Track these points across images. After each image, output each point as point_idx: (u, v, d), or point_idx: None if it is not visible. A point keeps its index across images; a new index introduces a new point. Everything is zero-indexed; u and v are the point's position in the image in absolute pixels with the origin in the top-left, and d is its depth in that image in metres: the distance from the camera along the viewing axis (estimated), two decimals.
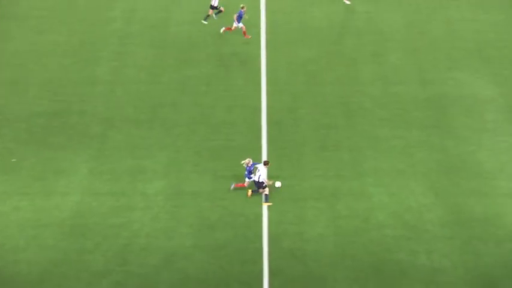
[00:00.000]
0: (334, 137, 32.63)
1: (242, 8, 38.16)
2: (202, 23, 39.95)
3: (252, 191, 29.53)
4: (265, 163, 29.57)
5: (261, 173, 29.23)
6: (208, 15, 40.31)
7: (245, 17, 38.34)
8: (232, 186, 29.73)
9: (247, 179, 29.72)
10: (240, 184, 29.81)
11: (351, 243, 27.66)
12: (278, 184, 29.83)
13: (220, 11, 40.19)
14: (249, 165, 29.58)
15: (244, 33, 38.56)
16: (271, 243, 27.71)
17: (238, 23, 38.22)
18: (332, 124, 33.40)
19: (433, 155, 31.45)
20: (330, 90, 35.55)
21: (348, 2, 41.79)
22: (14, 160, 31.06)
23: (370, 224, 28.35)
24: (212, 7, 40.08)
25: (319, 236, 27.92)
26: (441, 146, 31.99)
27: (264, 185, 29.36)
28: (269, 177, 30.30)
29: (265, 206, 29.14)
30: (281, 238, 27.85)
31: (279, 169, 30.78)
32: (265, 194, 29.38)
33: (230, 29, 38.68)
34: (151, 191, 29.83)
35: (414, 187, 29.96)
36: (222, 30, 39.01)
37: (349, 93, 35.33)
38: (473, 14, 40.62)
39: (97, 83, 35.97)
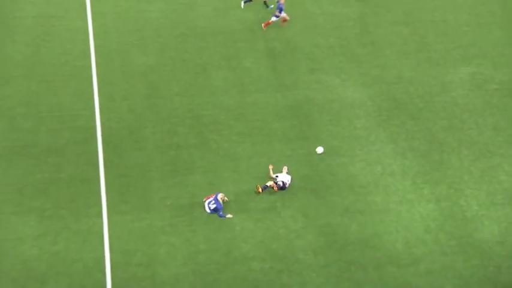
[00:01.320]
0: (186, 158, 32.74)
1: None
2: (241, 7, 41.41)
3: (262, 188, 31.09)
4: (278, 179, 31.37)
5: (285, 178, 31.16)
6: (266, 4, 41.91)
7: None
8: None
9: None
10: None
11: (213, 282, 27.74)
12: (320, 150, 31.89)
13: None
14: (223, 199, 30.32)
15: (285, 20, 40.53)
16: None
17: (280, 13, 39.74)
18: (182, 143, 33.47)
19: (299, 171, 32.20)
20: (178, 103, 35.62)
21: None
22: None
23: (234, 258, 28.64)
24: None
25: (174, 277, 27.83)
26: (308, 160, 32.83)
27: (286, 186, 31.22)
28: (109, 217, 29.85)
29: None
30: (129, 284, 27.53)
31: (122, 202, 30.52)
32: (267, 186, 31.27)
33: (269, 23, 40.13)
34: None
35: (281, 210, 30.55)
36: (263, 25, 40.30)
37: (200, 106, 35.52)
38: (334, 7, 42.22)
39: None
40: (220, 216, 29.97)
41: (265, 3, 41.96)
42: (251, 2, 41.84)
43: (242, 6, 41.71)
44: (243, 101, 35.95)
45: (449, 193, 31.39)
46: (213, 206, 30.04)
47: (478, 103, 35.90)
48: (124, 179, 31.61)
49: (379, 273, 28.25)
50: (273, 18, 40.26)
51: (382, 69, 38.12)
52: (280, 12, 39.95)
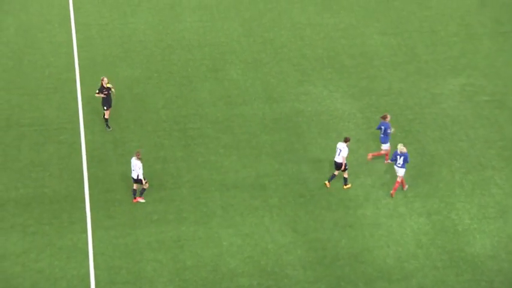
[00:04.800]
0: (173, 171, 32.63)
1: None
2: None
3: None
4: (346, 140, 31.34)
5: (342, 152, 31.16)
6: None
7: None
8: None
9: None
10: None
11: None
12: None
13: None
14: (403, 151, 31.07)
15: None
16: None
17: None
18: (169, 157, 33.35)
19: (288, 185, 32.13)
20: (163, 115, 35.54)
21: None
22: None
23: (221, 274, 28.46)
24: None
25: None
26: (297, 173, 32.77)
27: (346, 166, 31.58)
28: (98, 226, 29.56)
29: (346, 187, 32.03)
30: None
31: (107, 217, 30.35)
32: (345, 178, 31.96)
33: None
34: None
35: (270, 224, 30.42)
36: None
37: (187, 118, 35.45)
38: (321, 17, 42.29)
39: None
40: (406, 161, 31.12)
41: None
42: None
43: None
44: (230, 113, 35.88)
45: (441, 206, 31.37)
46: (401, 160, 31.00)
47: (468, 115, 35.96)
48: (109, 194, 31.44)
49: None
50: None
51: (371, 80, 38.16)
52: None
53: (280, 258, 29.13)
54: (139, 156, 30.33)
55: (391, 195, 31.57)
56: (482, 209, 31.32)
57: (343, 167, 31.42)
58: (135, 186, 31.02)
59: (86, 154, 33.33)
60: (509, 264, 29.00)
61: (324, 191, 31.87)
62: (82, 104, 35.98)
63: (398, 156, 31.10)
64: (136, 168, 30.40)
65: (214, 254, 29.18)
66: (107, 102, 34.13)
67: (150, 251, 29.16)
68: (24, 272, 28.12)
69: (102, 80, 33.81)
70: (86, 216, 30.48)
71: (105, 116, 34.44)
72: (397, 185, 31.48)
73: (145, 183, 30.69)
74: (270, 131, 34.91)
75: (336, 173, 31.90)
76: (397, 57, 39.76)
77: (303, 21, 41.99)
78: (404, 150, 31.05)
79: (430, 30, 41.65)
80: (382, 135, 32.76)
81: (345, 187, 31.95)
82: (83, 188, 31.73)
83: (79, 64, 38.39)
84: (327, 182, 32.01)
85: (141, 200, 31.10)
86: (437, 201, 31.57)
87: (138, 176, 30.47)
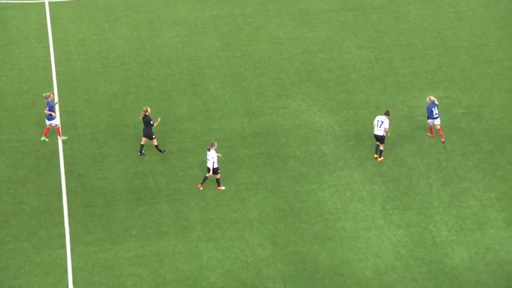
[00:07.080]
0: (152, 186, 32.58)
1: None
2: None
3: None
4: (387, 113, 33.82)
5: (384, 123, 33.47)
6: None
7: None
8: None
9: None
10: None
11: None
12: None
13: None
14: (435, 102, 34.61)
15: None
16: None
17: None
18: (147, 171, 33.30)
19: (268, 198, 32.13)
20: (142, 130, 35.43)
21: None
22: None
23: None
24: None
25: None
26: (276, 186, 32.77)
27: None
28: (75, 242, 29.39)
29: None
30: None
31: (86, 232, 30.20)
32: (380, 150, 34.11)
33: None
34: None
35: (249, 238, 30.37)
36: None
37: (165, 133, 35.40)
38: (299, 31, 42.45)
39: None
40: None
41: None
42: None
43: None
44: (209, 128, 35.85)
45: (419, 218, 31.43)
46: (437, 110, 34.42)
47: (445, 127, 36.10)
48: (88, 209, 31.32)
49: None
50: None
51: (349, 94, 38.29)
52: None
53: (260, 271, 29.07)
54: (212, 148, 31.61)
55: (443, 142, 34.87)
56: (460, 220, 31.44)
57: (384, 140, 33.59)
58: (207, 174, 32.11)
59: (65, 169, 33.20)
60: (487, 275, 29.10)
61: (303, 205, 31.87)
62: (60, 119, 35.82)
63: (434, 108, 34.34)
64: (210, 159, 31.60)
65: (194, 268, 29.07)
66: (147, 131, 33.62)
67: (130, 266, 29.01)
68: None
69: (146, 110, 33.19)
70: (64, 232, 30.32)
71: (142, 143, 33.99)
72: (441, 132, 34.89)
73: (218, 173, 32.29)
74: (249, 145, 34.94)
75: (382, 147, 33.95)
76: (374, 70, 39.96)
77: (281, 36, 42.12)
78: (437, 101, 34.57)
79: (407, 43, 41.91)
80: None
81: (379, 159, 34.05)
82: (62, 203, 31.58)
83: (57, 79, 38.28)
84: (376, 155, 34.16)
85: (223, 188, 32.49)
86: (416, 213, 31.65)
87: (213, 166, 31.75)
